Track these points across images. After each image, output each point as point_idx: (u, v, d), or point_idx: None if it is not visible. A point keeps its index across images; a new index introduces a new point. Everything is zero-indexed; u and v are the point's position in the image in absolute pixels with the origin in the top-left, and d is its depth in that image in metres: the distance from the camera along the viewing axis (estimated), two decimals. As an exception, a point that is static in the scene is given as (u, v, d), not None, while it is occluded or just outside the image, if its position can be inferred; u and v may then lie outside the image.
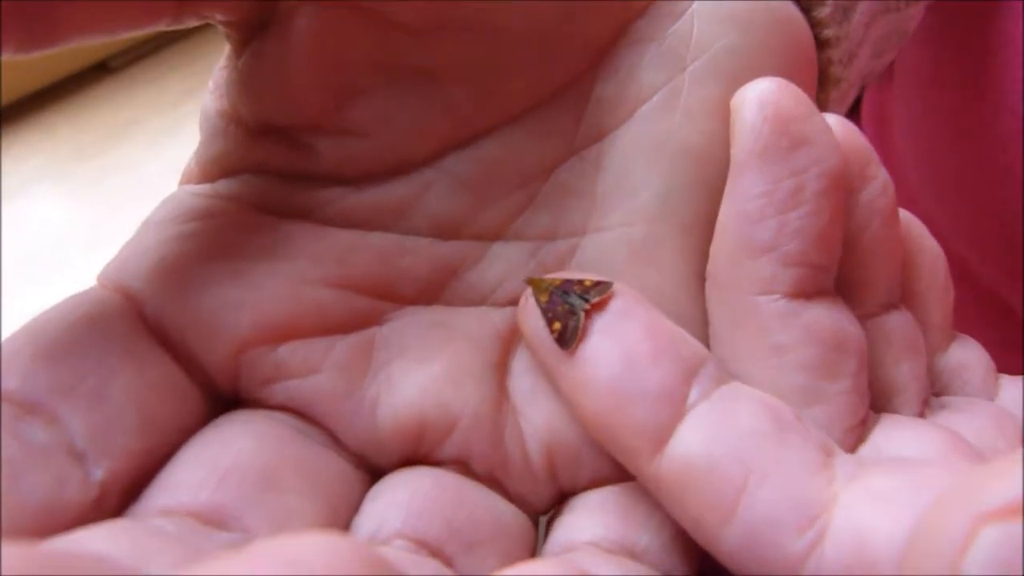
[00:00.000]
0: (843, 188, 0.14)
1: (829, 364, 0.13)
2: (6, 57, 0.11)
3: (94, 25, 0.12)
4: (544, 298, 0.14)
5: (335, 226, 0.14)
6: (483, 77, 0.14)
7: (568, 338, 0.13)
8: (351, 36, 0.13)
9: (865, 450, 0.13)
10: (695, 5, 0.15)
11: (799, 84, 0.15)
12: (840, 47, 0.17)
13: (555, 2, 0.14)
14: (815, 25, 0.17)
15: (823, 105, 0.18)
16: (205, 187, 0.14)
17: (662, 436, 0.12)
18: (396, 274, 0.14)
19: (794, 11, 0.16)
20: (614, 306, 0.13)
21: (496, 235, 0.15)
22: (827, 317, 0.14)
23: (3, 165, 0.56)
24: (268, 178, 0.14)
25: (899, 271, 0.16)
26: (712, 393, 0.12)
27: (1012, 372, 0.28)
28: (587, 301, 0.13)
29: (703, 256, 0.15)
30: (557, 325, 0.13)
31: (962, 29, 0.26)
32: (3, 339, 0.12)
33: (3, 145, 0.56)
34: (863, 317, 0.15)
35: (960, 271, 0.28)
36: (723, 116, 0.14)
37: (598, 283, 0.14)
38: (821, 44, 0.17)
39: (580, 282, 0.14)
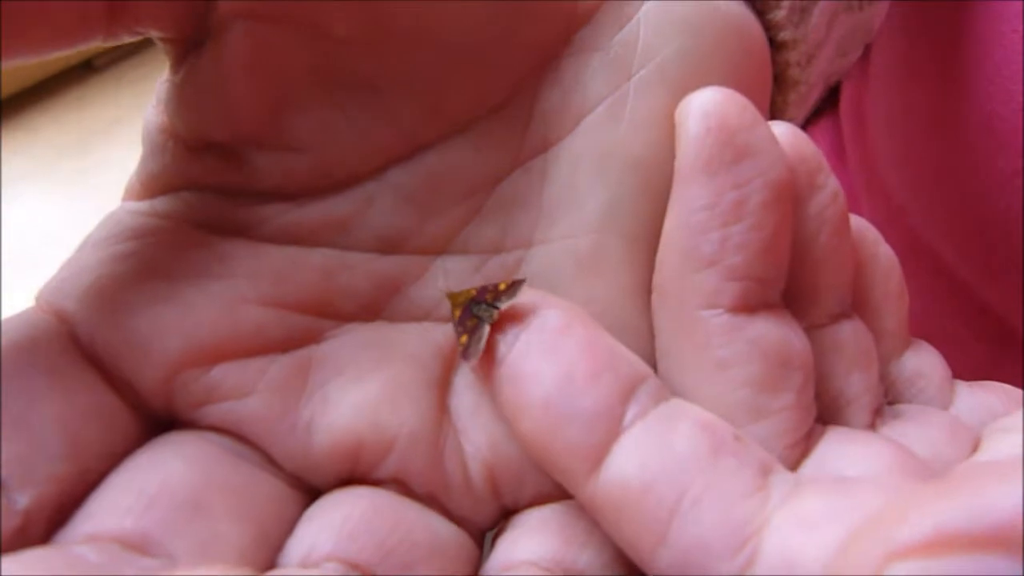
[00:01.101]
0: (789, 199, 0.14)
1: (773, 379, 0.13)
2: None
3: (24, 48, 0.12)
4: (457, 312, 0.14)
5: (274, 243, 0.14)
6: (424, 88, 0.14)
7: (471, 352, 0.13)
8: (286, 49, 0.13)
9: (809, 465, 0.13)
10: (643, 8, 0.14)
11: (750, 89, 0.15)
12: (798, 49, 0.17)
13: (496, 9, 0.13)
14: (770, 28, 0.16)
15: (783, 108, 0.18)
16: (144, 204, 0.14)
17: (597, 457, 0.12)
18: (336, 291, 0.14)
19: (746, 14, 0.16)
20: (551, 322, 0.13)
21: (440, 249, 0.15)
22: (772, 331, 0.13)
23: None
24: (207, 195, 0.14)
25: (850, 280, 0.15)
26: (649, 412, 0.12)
27: (987, 366, 0.28)
28: (497, 309, 0.13)
29: (650, 267, 0.14)
30: (464, 339, 0.13)
31: (935, 21, 0.25)
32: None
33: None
34: (813, 327, 0.15)
35: (935, 265, 0.28)
36: (669, 126, 0.14)
37: (511, 285, 0.13)
38: (778, 46, 0.17)
39: (494, 287, 0.14)
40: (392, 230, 0.14)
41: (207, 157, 0.14)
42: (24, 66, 0.47)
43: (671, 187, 0.14)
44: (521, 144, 0.15)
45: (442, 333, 0.14)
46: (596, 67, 0.14)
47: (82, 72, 0.59)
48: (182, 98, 0.14)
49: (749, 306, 0.13)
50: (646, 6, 0.14)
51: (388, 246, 0.14)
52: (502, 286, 0.13)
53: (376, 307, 0.14)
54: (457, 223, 0.15)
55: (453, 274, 0.15)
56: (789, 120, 0.18)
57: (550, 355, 0.13)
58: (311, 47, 0.13)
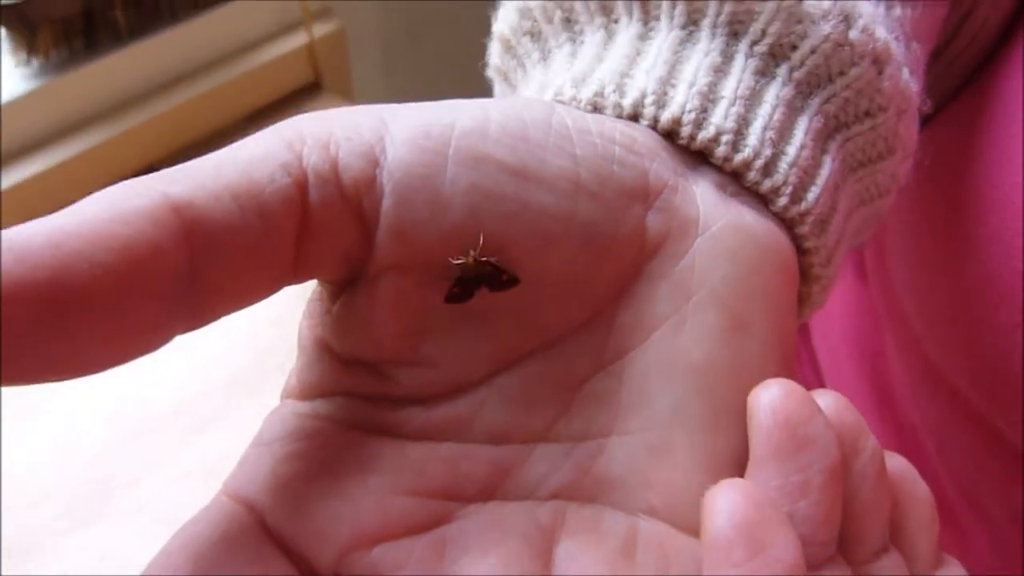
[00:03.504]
0: (841, 477, 0.16)
1: None
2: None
3: (237, 305, 0.15)
4: (460, 277, 0.17)
5: (411, 440, 0.17)
6: (525, 313, 0.17)
7: (450, 299, 0.17)
8: (423, 292, 0.17)
9: None
10: (696, 242, 0.18)
11: (782, 292, 0.18)
12: (820, 253, 0.20)
13: (585, 251, 0.17)
14: (797, 239, 0.20)
15: (807, 296, 0.21)
16: (306, 406, 0.18)
17: None
18: (460, 478, 0.17)
19: (777, 233, 0.19)
20: None
21: (539, 438, 0.18)
22: None
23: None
24: (356, 400, 0.18)
25: (888, 519, 0.18)
26: None
27: (1003, 478, 0.30)
28: (487, 289, 0.17)
29: (710, 453, 0.18)
30: (455, 290, 0.17)
31: (941, 183, 0.29)
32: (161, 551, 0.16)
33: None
34: (858, 564, 0.17)
35: (950, 390, 0.31)
36: (722, 338, 0.18)
37: (507, 282, 0.17)
38: (803, 252, 0.20)
39: (498, 275, 0.17)
40: (501, 425, 0.18)
41: (356, 371, 0.18)
42: (89, 172, 0.51)
43: (724, 387, 0.17)
44: (602, 353, 0.18)
45: (543, 511, 0.18)
46: (662, 291, 0.18)
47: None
48: (337, 325, 0.17)
49: (812, 565, 0.16)
50: (698, 241, 0.18)
51: (498, 438, 0.18)
52: (505, 276, 0.17)
53: (491, 489, 0.18)
54: (551, 417, 0.18)
55: (549, 459, 0.18)
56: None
57: None
58: (441, 289, 0.17)
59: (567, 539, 0.17)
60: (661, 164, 0.18)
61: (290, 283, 0.16)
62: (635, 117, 0.19)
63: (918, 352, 0.32)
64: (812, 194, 0.20)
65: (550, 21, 0.22)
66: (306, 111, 0.63)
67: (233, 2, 0.66)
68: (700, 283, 0.18)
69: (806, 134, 0.20)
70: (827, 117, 0.20)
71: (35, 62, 0.60)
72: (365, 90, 0.79)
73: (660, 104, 0.19)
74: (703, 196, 0.19)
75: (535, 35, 0.23)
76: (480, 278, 0.17)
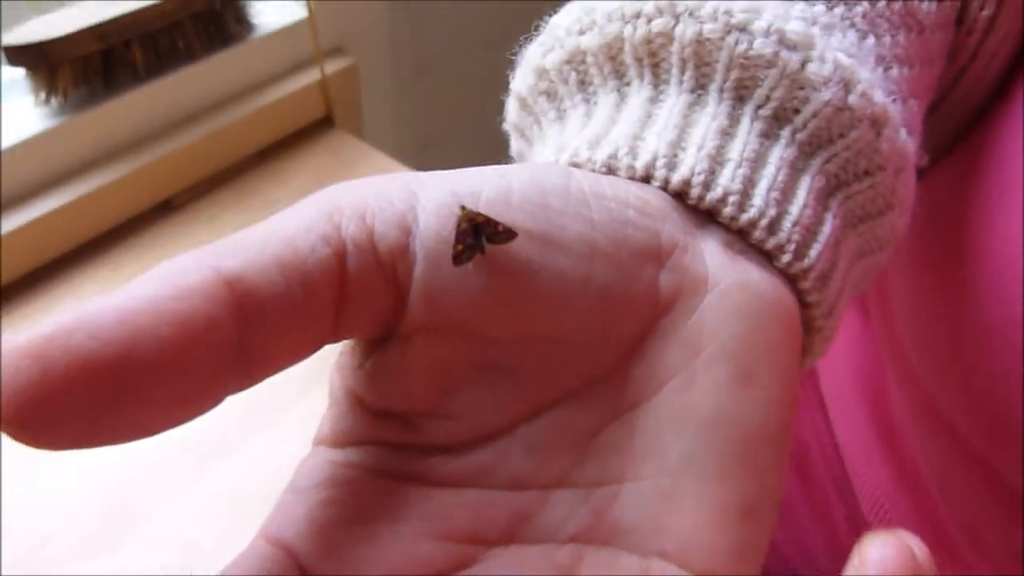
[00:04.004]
0: None
1: None
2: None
3: (280, 367, 0.16)
4: (464, 226, 0.17)
5: (437, 486, 0.18)
6: (547, 368, 0.19)
7: (461, 260, 0.17)
8: (452, 351, 0.18)
9: None
10: (706, 300, 0.19)
11: (784, 344, 0.19)
12: (822, 307, 0.21)
13: (604, 312, 0.18)
14: (800, 293, 0.21)
15: (809, 347, 0.22)
16: (338, 454, 0.19)
17: None
18: (484, 522, 0.18)
19: (782, 290, 0.20)
20: None
21: (557, 484, 0.19)
22: None
23: (72, 303, 0.61)
24: (386, 449, 0.19)
25: None
26: None
27: (1003, 520, 0.31)
28: (489, 243, 0.17)
29: (719, 501, 0.19)
30: (459, 247, 0.17)
31: (943, 215, 0.30)
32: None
33: (76, 284, 0.61)
34: None
35: (950, 430, 0.32)
36: (730, 392, 0.19)
37: (507, 233, 0.17)
38: (806, 306, 0.21)
39: (495, 226, 0.17)
40: (522, 472, 0.19)
41: (387, 421, 0.19)
42: (108, 206, 0.52)
43: (732, 439, 0.18)
44: (617, 404, 0.19)
45: (561, 554, 0.19)
46: (673, 347, 0.19)
47: (162, 211, 0.65)
48: (368, 379, 0.19)
49: None
50: (708, 298, 0.19)
51: (519, 484, 0.19)
52: (501, 227, 0.17)
53: (512, 533, 0.19)
54: (569, 464, 0.19)
55: (567, 504, 0.19)
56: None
57: None
58: (471, 346, 0.18)
59: None
60: (672, 225, 0.19)
61: (329, 343, 0.17)
62: (647, 178, 0.20)
63: (919, 390, 0.33)
64: (814, 251, 0.21)
65: (565, 82, 0.23)
66: (318, 146, 0.65)
67: (248, 41, 0.68)
68: (709, 339, 0.19)
69: (808, 193, 0.21)
70: (828, 176, 0.22)
71: (54, 101, 0.62)
72: (375, 125, 0.81)
73: (671, 166, 0.20)
74: (711, 254, 0.20)
75: (551, 95, 0.24)
76: (478, 228, 0.17)
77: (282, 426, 0.54)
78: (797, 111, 0.21)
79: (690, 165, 0.20)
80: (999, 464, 0.30)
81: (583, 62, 0.23)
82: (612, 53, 0.22)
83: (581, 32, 0.23)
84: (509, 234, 0.18)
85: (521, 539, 0.19)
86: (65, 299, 0.61)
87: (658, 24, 0.22)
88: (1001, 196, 0.27)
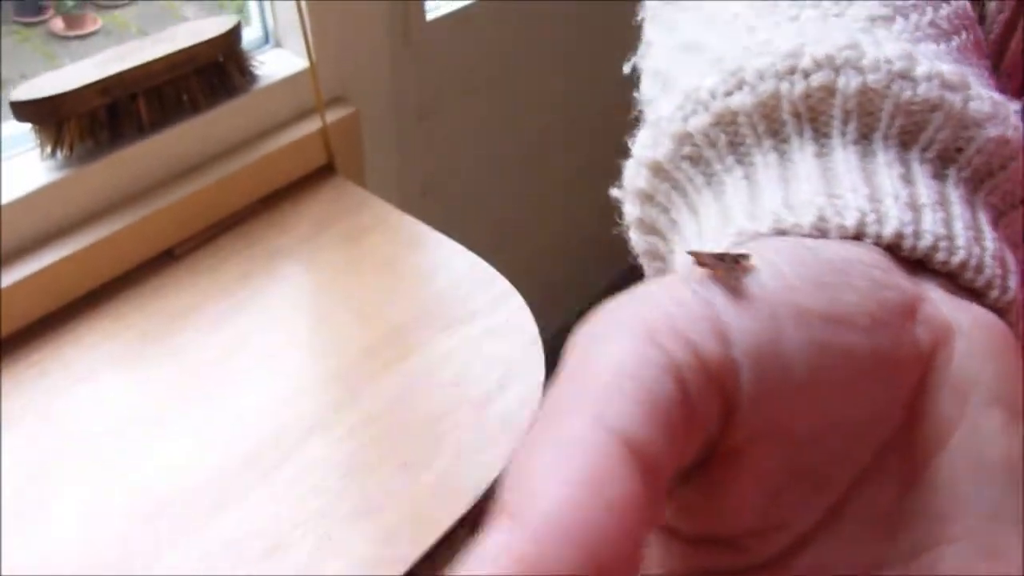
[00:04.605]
0: None
1: None
2: None
3: None
4: (705, 262, 0.17)
5: None
6: (845, 451, 0.18)
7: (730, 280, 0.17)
8: (776, 458, 0.18)
9: None
10: (956, 347, 0.19)
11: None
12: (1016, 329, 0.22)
13: (886, 381, 0.18)
14: (1008, 325, 0.21)
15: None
16: None
17: None
18: None
19: (1001, 323, 0.20)
20: None
21: (877, 567, 0.18)
22: None
23: (75, 353, 0.61)
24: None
25: None
26: None
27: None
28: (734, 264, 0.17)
29: None
30: (720, 271, 0.17)
31: None
32: None
33: (79, 335, 0.61)
34: None
35: None
36: (1008, 431, 0.18)
37: (741, 257, 0.18)
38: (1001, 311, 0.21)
39: (735, 260, 0.18)
40: (840, 566, 0.18)
41: (705, 547, 0.18)
42: (111, 257, 0.53)
43: None
44: (909, 468, 0.19)
45: None
46: (946, 399, 0.19)
47: (164, 260, 0.65)
48: (687, 509, 0.18)
49: None
50: (958, 344, 0.19)
51: None
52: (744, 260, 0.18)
53: None
54: (881, 543, 0.18)
55: None
56: None
57: None
58: (784, 448, 0.18)
59: None
60: (903, 278, 0.19)
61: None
62: (858, 236, 0.20)
63: None
64: (1012, 282, 0.21)
65: (713, 145, 0.23)
66: (320, 193, 0.66)
67: (250, 92, 0.69)
68: (973, 383, 0.19)
69: (990, 227, 0.21)
70: (991, 208, 0.22)
71: (59, 154, 0.62)
72: (376, 171, 0.82)
73: (880, 221, 0.20)
74: (940, 301, 0.20)
75: (695, 159, 0.24)
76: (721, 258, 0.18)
77: (282, 475, 0.53)
78: (960, 150, 0.21)
79: (897, 217, 0.20)
80: None
81: (733, 123, 0.23)
82: (767, 111, 0.22)
83: (728, 93, 0.23)
84: (744, 261, 0.18)
85: None
86: (68, 349, 0.61)
87: (818, 78, 0.22)
88: None
